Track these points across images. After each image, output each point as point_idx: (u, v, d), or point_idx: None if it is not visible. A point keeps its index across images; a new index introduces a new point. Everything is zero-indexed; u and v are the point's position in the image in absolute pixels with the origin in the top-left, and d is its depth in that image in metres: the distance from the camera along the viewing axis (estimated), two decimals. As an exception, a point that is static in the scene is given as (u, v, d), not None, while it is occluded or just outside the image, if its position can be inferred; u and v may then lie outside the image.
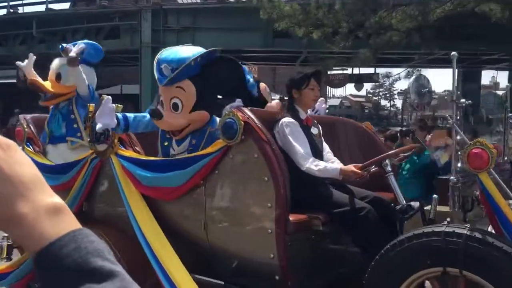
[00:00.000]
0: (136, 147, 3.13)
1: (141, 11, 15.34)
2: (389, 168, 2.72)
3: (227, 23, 14.58)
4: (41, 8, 17.38)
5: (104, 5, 16.20)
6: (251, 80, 3.35)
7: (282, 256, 2.51)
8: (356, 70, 19.74)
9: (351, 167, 2.79)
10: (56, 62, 3.90)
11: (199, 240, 2.82)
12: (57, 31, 15.98)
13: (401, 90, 42.24)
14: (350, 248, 2.92)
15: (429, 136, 6.66)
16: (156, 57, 3.11)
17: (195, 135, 3.05)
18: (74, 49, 3.70)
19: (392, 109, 52.70)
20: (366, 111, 49.01)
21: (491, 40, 11.75)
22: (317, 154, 2.97)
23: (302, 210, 2.68)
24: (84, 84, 3.77)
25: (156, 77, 3.07)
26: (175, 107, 3.01)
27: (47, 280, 0.56)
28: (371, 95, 51.26)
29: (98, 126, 2.91)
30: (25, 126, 3.77)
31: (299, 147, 2.85)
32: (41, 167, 3.15)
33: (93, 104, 3.15)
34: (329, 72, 16.81)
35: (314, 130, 3.10)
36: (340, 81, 21.19)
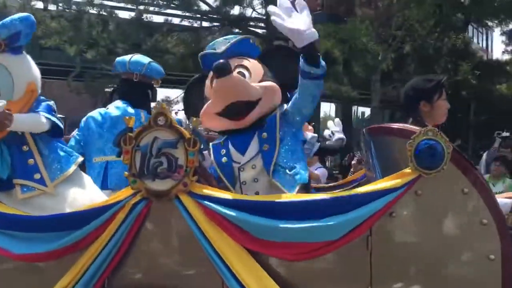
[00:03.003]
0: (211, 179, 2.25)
1: None
2: None
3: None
4: None
5: None
6: None
7: None
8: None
9: None
10: None
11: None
12: None
13: (178, 110, 44.63)
14: None
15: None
16: None
17: (262, 127, 2.27)
18: None
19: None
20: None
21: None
22: None
23: None
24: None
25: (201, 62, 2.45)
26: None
27: None
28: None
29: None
30: None
31: None
32: (14, 221, 2.17)
33: (132, 116, 2.17)
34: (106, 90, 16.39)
35: None
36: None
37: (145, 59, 3.45)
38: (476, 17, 12.41)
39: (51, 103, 2.48)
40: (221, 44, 2.42)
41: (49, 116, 2.34)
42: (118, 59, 3.52)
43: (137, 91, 3.36)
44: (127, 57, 3.44)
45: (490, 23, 12.53)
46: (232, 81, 2.17)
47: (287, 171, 2.21)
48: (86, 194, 2.38)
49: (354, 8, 10.76)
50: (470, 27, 13.54)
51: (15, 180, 2.29)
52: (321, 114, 20.14)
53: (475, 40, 19.04)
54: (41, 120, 2.30)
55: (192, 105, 2.52)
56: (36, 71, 2.45)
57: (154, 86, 3.51)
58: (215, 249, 1.96)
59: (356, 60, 9.88)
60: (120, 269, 2.08)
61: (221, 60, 2.17)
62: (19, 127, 2.27)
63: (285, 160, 2.23)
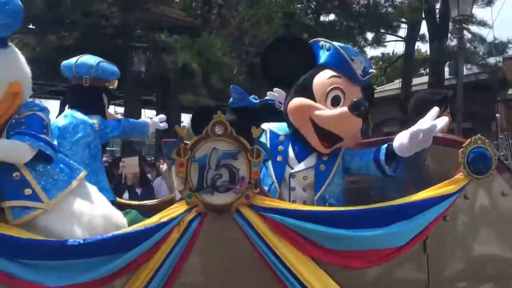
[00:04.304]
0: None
1: None
2: None
3: None
4: None
5: None
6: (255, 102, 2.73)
7: None
8: None
9: None
10: None
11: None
12: None
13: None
14: None
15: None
16: None
17: None
18: None
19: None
20: None
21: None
22: None
23: None
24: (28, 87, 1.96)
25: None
26: (335, 101, 2.19)
27: None
28: None
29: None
30: None
31: None
32: (40, 248, 1.77)
33: (184, 126, 1.81)
34: None
35: None
36: None
37: (93, 60, 3.01)
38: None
39: (43, 115, 1.93)
40: (360, 63, 2.26)
41: (37, 145, 1.82)
42: (64, 63, 3.03)
43: (89, 97, 2.95)
44: (72, 60, 2.98)
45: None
46: (358, 124, 2.20)
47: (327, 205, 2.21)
48: (95, 207, 2.04)
49: (209, 23, 11.02)
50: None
51: (2, 203, 1.81)
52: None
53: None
54: (24, 151, 1.81)
55: (271, 68, 2.36)
56: (23, 69, 1.95)
57: (110, 88, 3.07)
58: (283, 261, 1.91)
59: (212, 72, 10.11)
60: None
61: (365, 102, 2.12)
62: None
63: (331, 195, 2.23)
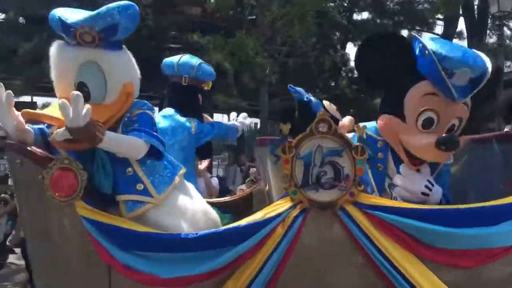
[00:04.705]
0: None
1: None
2: None
3: None
4: None
5: None
6: (313, 99, 2.84)
7: None
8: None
9: None
10: (67, 61, 1.95)
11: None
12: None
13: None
14: None
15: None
16: None
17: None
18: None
19: (52, 140, 50.38)
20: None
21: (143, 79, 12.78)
22: None
23: None
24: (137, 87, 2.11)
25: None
26: (427, 122, 2.11)
27: None
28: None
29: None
30: (78, 170, 1.89)
31: None
32: (155, 241, 1.89)
33: (287, 124, 1.94)
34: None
35: None
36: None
37: (195, 60, 3.15)
38: (353, 37, 13.50)
39: (151, 114, 2.09)
40: (464, 74, 2.07)
41: (151, 142, 1.97)
42: (166, 60, 3.19)
43: (187, 96, 3.07)
44: (175, 58, 3.13)
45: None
46: (446, 156, 2.14)
47: None
48: (195, 203, 2.17)
49: (242, 23, 11.07)
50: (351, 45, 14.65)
51: (117, 196, 1.95)
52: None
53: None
54: (141, 147, 1.94)
55: (367, 66, 2.25)
56: (135, 70, 2.10)
57: (205, 89, 3.21)
58: (388, 258, 1.91)
59: (244, 72, 10.15)
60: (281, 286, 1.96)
61: (455, 138, 2.08)
62: (112, 148, 1.87)
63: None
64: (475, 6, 12.76)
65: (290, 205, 1.97)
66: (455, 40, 14.35)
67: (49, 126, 2.03)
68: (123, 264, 1.87)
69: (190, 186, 2.27)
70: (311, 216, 1.96)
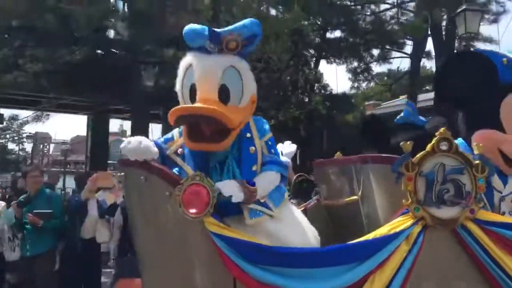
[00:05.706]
0: None
1: None
2: None
3: None
4: None
5: None
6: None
7: None
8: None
9: None
10: (212, 66, 2.13)
11: None
12: None
13: (30, 133, 40.04)
14: None
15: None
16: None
17: None
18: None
19: (21, 153, 49.03)
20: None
21: (114, 92, 12.58)
22: None
23: None
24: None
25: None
26: None
27: None
28: (-5, 138, 46.29)
29: None
30: (211, 187, 1.97)
31: None
32: (289, 256, 1.92)
33: (410, 142, 2.03)
34: None
35: None
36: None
37: None
38: (326, 55, 13.73)
39: (271, 135, 2.24)
40: None
41: (281, 172, 2.19)
42: None
43: None
44: None
45: (337, 60, 13.96)
46: None
47: None
48: (301, 215, 2.32)
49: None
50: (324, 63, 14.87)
51: (243, 205, 2.06)
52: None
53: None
54: (277, 180, 2.17)
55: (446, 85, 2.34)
56: (255, 82, 2.25)
57: None
58: (509, 274, 1.95)
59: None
60: None
61: None
62: (262, 195, 2.09)
63: None
64: (443, 27, 13.19)
65: (412, 222, 2.01)
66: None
67: (166, 141, 2.24)
68: (253, 278, 1.90)
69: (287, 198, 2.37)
70: (431, 232, 2.01)
